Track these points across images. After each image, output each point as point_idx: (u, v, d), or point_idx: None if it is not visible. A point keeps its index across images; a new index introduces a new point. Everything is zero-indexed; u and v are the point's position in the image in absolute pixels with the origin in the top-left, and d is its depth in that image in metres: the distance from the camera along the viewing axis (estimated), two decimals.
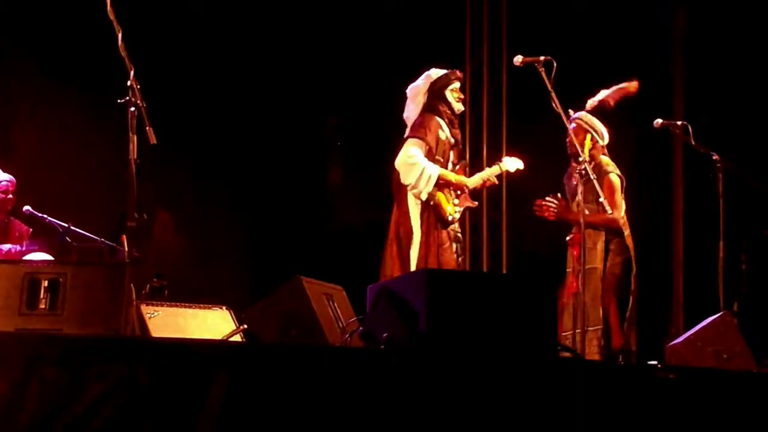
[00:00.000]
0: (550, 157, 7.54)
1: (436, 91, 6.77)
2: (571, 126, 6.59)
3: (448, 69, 6.91)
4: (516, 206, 9.08)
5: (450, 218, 6.60)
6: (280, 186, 9.02)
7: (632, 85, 6.87)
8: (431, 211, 6.57)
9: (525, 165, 7.22)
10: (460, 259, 6.73)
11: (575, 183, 6.63)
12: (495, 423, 3.85)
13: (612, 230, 6.66)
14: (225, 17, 8.81)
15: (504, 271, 9.13)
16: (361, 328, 4.57)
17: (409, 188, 6.58)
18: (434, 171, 6.53)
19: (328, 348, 5.20)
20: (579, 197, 6.50)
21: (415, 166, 6.52)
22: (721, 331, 5.54)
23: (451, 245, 6.61)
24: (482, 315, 4.25)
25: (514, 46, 8.51)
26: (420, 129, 6.62)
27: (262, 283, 7.54)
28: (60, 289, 4.68)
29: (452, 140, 6.77)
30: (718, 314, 5.78)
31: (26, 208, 7.39)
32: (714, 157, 6.83)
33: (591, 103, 6.83)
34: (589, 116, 6.79)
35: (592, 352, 6.43)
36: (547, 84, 6.13)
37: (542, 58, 6.21)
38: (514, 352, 4.24)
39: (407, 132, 6.73)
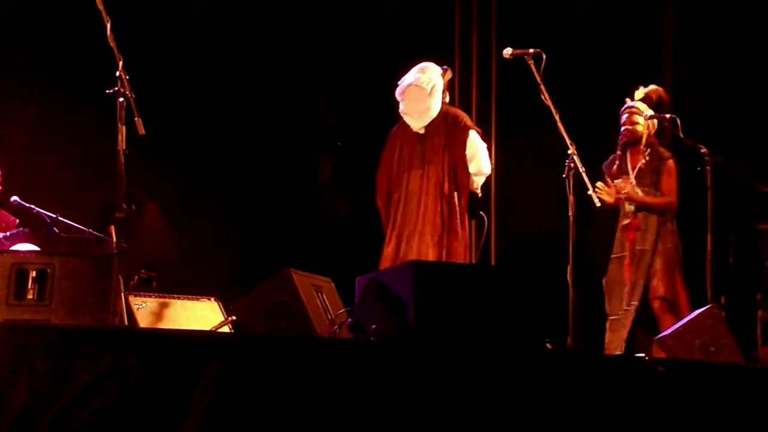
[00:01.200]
0: (540, 150, 7.56)
1: (444, 86, 6.86)
2: (624, 116, 7.04)
3: (437, 63, 6.96)
4: (504, 198, 9.08)
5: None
6: (271, 178, 9.01)
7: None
8: (470, 201, 6.73)
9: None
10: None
11: (617, 169, 7.02)
12: (482, 414, 3.86)
13: (669, 213, 6.98)
14: (215, 7, 8.78)
15: (492, 263, 9.13)
16: (349, 319, 4.58)
17: (478, 176, 6.72)
18: None
19: (317, 339, 5.21)
20: (632, 180, 6.93)
21: (487, 156, 6.76)
22: (709, 324, 5.56)
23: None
24: (470, 307, 4.26)
25: (503, 38, 8.51)
26: (471, 120, 6.84)
27: (250, 275, 7.53)
28: (48, 279, 4.68)
29: None
30: (706, 307, 5.79)
31: (14, 198, 7.37)
32: (702, 151, 6.86)
33: (640, 93, 7.04)
34: (644, 105, 7.00)
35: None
36: (537, 76, 6.16)
37: (531, 50, 6.23)
38: (501, 344, 4.24)
39: (454, 121, 6.74)
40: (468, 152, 6.69)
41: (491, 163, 6.98)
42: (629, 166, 7.05)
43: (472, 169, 6.70)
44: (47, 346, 3.56)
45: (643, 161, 7.01)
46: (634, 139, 7.05)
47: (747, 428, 4.22)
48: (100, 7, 5.15)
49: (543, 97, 6.26)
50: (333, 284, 6.48)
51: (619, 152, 7.14)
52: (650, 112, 7.06)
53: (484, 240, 6.90)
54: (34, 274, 4.70)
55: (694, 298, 6.82)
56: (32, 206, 7.32)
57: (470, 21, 9.49)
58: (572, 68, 8.60)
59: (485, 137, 6.86)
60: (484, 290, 4.33)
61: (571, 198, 6.32)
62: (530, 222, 8.66)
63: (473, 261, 6.88)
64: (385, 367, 3.81)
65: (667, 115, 7.13)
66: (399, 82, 6.87)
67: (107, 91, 5.07)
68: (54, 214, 7.21)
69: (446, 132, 6.71)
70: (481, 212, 6.80)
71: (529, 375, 4.00)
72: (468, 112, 9.36)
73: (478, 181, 6.75)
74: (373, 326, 4.21)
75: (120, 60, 5.09)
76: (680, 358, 5.33)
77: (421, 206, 6.65)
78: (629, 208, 6.98)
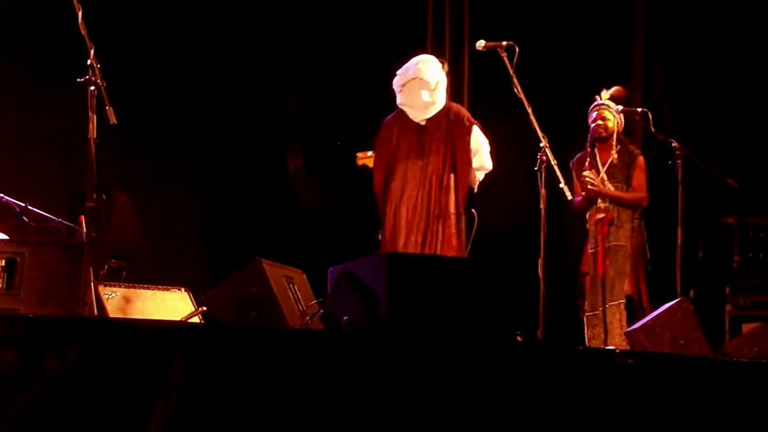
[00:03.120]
0: (512, 142, 7.57)
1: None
2: (594, 113, 7.07)
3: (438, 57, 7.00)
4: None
5: None
6: (242, 168, 8.97)
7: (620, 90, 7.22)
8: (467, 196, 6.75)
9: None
10: None
11: (588, 166, 7.01)
12: (453, 406, 3.87)
13: (639, 208, 7.00)
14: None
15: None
16: (321, 311, 4.57)
17: (480, 170, 6.75)
18: None
19: (288, 330, 5.20)
20: (603, 175, 6.95)
21: (489, 152, 6.76)
22: (678, 318, 5.59)
23: None
24: (442, 299, 4.27)
25: (476, 30, 8.51)
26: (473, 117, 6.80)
27: (222, 265, 7.51)
28: (17, 268, 4.65)
29: None
30: (676, 301, 5.83)
31: None
32: (673, 145, 6.91)
33: (607, 94, 7.07)
34: (613, 102, 7.03)
35: (614, 327, 6.64)
36: (510, 69, 6.17)
37: (504, 43, 6.24)
38: (473, 336, 4.25)
39: (457, 117, 6.74)
40: (472, 146, 6.69)
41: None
42: (599, 163, 7.05)
43: (475, 163, 6.70)
44: (16, 335, 3.54)
45: (614, 157, 7.02)
46: (604, 136, 7.06)
47: (714, 420, 4.25)
48: None
49: (516, 90, 6.28)
50: (305, 275, 6.47)
51: (588, 149, 7.15)
52: (620, 108, 7.10)
53: (474, 236, 6.87)
54: (3, 263, 4.67)
55: (663, 292, 6.84)
56: (1, 195, 7.25)
57: (443, 12, 9.48)
58: (545, 61, 8.63)
59: (486, 133, 6.85)
60: (456, 282, 4.34)
61: (542, 191, 6.34)
62: (502, 215, 8.66)
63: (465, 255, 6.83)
64: (357, 358, 3.81)
65: (639, 109, 7.17)
66: (398, 72, 6.81)
67: (78, 80, 5.04)
68: (23, 202, 7.14)
69: (448, 126, 6.69)
70: (472, 209, 6.78)
71: (499, 367, 4.01)
72: None
73: (479, 176, 6.76)
74: (345, 318, 4.21)
75: (91, 48, 5.06)
76: (650, 351, 5.36)
77: (419, 196, 6.64)
78: (603, 203, 6.97)
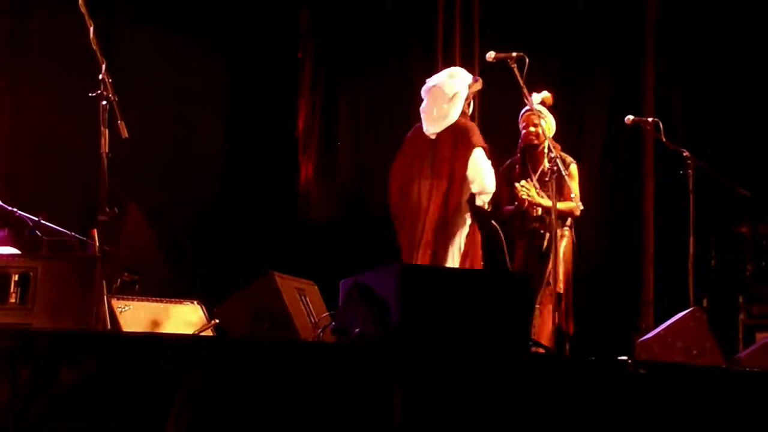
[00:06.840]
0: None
1: (468, 96, 6.75)
2: (524, 120, 6.91)
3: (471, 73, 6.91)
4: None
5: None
6: (253, 179, 8.99)
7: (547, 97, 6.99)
8: (480, 215, 6.68)
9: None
10: None
11: (518, 174, 6.84)
12: (466, 419, 3.87)
13: (570, 217, 6.83)
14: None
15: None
16: (333, 323, 4.58)
17: (479, 193, 6.58)
18: None
19: (300, 343, 5.21)
20: (536, 184, 6.75)
21: (491, 175, 6.58)
22: (691, 327, 5.59)
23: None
24: (454, 310, 4.26)
25: (486, 40, 8.53)
26: (480, 137, 6.64)
27: (234, 278, 7.52)
28: (30, 283, 4.65)
29: None
30: (688, 310, 5.82)
31: None
32: (685, 154, 6.90)
33: (538, 97, 6.90)
34: (545, 108, 6.91)
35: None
36: (520, 80, 6.18)
37: (515, 54, 6.24)
38: (486, 348, 4.25)
39: (462, 136, 6.62)
40: (469, 173, 6.53)
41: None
42: (530, 171, 6.96)
43: (474, 188, 6.55)
44: (30, 349, 3.55)
45: (546, 165, 6.85)
46: (536, 143, 6.87)
47: (727, 431, 4.24)
48: (84, 10, 5.14)
49: (526, 100, 6.31)
50: (316, 287, 6.48)
51: (518, 156, 7.00)
52: (549, 114, 6.96)
53: (506, 250, 6.82)
54: (16, 277, 4.67)
55: (676, 301, 6.83)
56: (14, 209, 7.28)
57: (453, 24, 9.50)
58: (555, 70, 8.64)
59: (490, 154, 6.74)
60: (469, 294, 4.33)
61: (552, 201, 6.34)
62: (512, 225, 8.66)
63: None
64: (368, 371, 3.81)
65: (650, 119, 7.16)
66: (427, 81, 6.80)
67: (90, 94, 5.06)
68: (36, 217, 7.17)
69: (453, 145, 6.58)
70: (493, 221, 6.71)
71: (512, 379, 4.01)
72: None
73: (483, 199, 6.62)
74: (357, 330, 4.21)
75: (103, 63, 5.08)
76: (662, 361, 5.35)
77: (429, 216, 6.61)
78: (536, 210, 6.82)
